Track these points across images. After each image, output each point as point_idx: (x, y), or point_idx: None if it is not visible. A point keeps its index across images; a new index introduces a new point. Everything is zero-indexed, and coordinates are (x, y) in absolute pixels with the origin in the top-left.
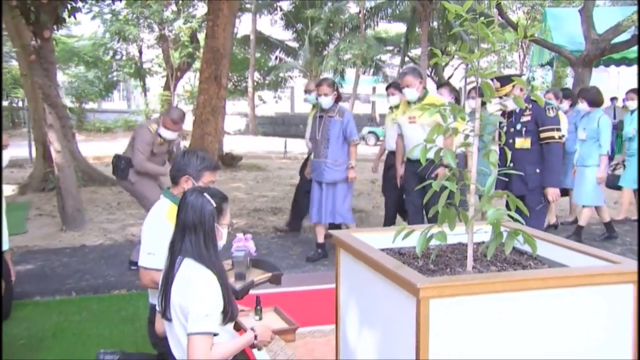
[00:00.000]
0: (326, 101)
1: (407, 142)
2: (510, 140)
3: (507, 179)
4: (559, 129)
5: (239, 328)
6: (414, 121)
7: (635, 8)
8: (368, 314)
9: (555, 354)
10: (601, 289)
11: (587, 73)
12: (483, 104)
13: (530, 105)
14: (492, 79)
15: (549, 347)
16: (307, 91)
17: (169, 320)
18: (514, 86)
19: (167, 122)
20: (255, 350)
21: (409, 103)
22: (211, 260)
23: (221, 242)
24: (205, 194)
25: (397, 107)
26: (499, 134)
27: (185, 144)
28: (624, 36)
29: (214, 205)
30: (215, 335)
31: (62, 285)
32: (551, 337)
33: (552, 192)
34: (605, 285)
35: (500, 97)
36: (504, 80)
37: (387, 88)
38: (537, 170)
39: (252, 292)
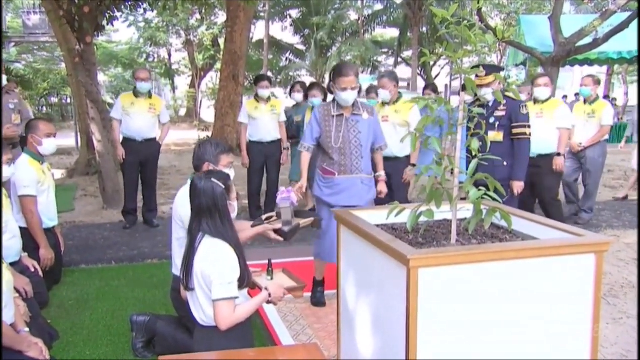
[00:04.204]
0: (353, 96)
1: None
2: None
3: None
4: (529, 126)
5: (254, 287)
6: (387, 120)
7: (595, 16)
8: (365, 281)
9: (528, 316)
10: (567, 259)
11: (555, 72)
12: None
13: (505, 101)
14: (479, 65)
15: (523, 310)
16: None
17: (191, 289)
18: (495, 79)
19: None
20: (267, 308)
21: (383, 104)
22: (228, 234)
23: (234, 214)
24: (213, 178)
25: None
26: (480, 124)
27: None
28: (587, 40)
29: (222, 186)
30: (236, 298)
31: (104, 255)
32: (524, 300)
33: (518, 185)
34: (570, 255)
35: (480, 86)
36: (489, 69)
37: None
38: (505, 163)
39: (264, 252)
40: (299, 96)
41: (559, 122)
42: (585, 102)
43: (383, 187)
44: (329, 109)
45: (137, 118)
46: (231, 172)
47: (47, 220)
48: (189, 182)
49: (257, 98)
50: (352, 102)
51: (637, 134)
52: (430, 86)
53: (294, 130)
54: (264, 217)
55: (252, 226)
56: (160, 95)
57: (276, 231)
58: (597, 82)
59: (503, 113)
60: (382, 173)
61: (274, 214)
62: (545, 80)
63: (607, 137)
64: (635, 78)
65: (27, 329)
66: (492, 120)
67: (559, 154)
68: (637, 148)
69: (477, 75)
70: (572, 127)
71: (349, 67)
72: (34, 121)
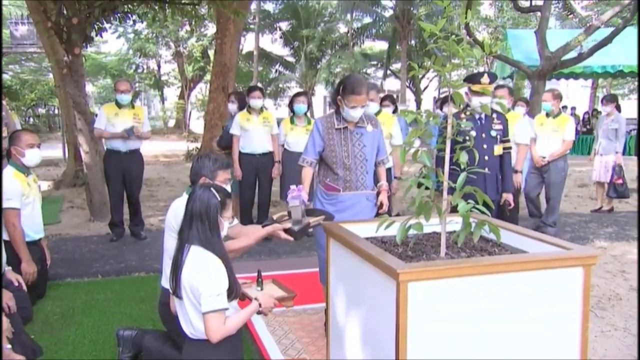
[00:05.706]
0: (361, 112)
1: None
2: (485, 146)
3: (473, 181)
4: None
5: (244, 298)
6: None
7: (580, 31)
8: (354, 294)
9: (517, 329)
10: (556, 272)
11: (542, 85)
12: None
13: (496, 115)
14: (485, 72)
15: (512, 323)
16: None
17: (180, 298)
18: (495, 88)
19: None
20: (256, 322)
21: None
22: (215, 245)
23: (222, 233)
24: (212, 189)
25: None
26: (469, 137)
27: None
28: (572, 54)
29: (219, 199)
30: (226, 310)
31: (90, 268)
32: (513, 313)
33: (511, 197)
34: (559, 268)
35: (477, 93)
36: (494, 77)
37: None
38: (499, 177)
39: (253, 265)
40: (233, 107)
41: (517, 137)
42: (547, 116)
43: (385, 198)
44: (332, 121)
45: (121, 128)
46: (228, 188)
47: (32, 233)
48: (184, 194)
49: (249, 109)
50: (358, 118)
51: (637, 146)
52: (389, 98)
53: (229, 140)
54: (275, 216)
55: (263, 226)
56: (149, 106)
57: (286, 230)
58: (558, 96)
59: (501, 127)
60: (384, 183)
61: (285, 213)
62: (502, 91)
63: (568, 151)
64: (621, 92)
65: (9, 346)
66: (493, 133)
67: (516, 171)
68: (637, 160)
69: (480, 82)
70: (530, 141)
71: (361, 84)
72: (17, 132)
